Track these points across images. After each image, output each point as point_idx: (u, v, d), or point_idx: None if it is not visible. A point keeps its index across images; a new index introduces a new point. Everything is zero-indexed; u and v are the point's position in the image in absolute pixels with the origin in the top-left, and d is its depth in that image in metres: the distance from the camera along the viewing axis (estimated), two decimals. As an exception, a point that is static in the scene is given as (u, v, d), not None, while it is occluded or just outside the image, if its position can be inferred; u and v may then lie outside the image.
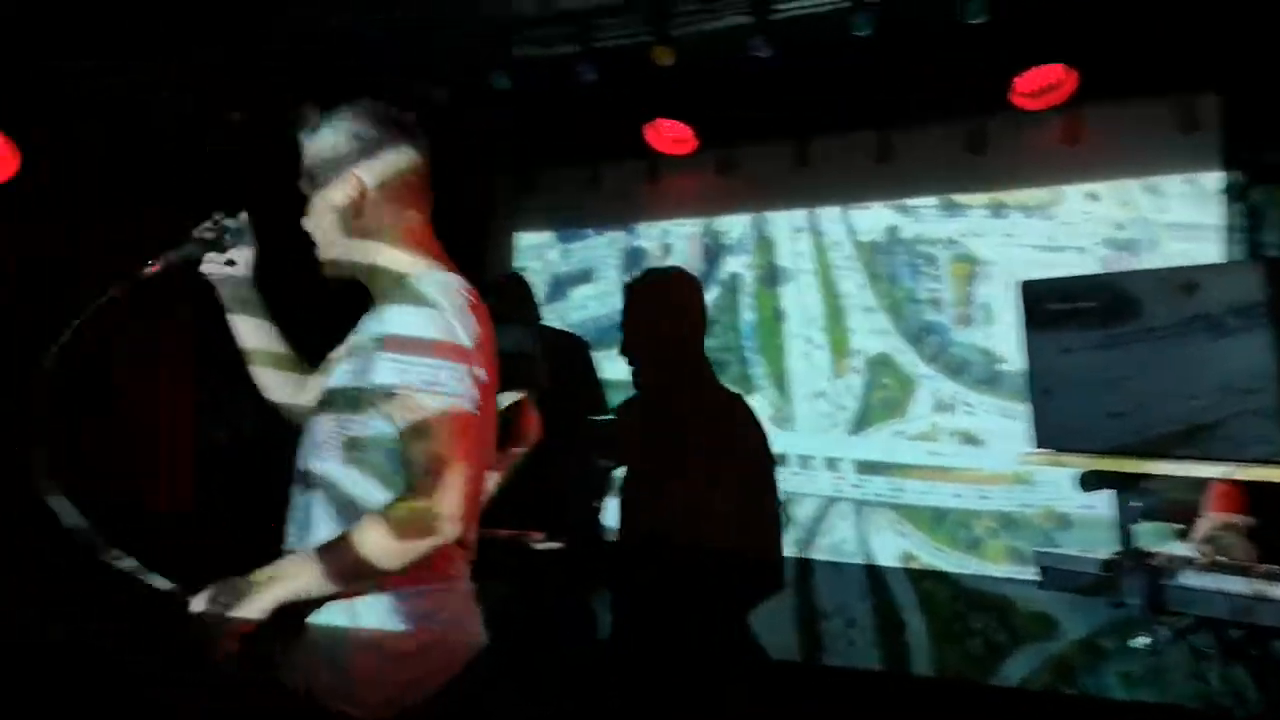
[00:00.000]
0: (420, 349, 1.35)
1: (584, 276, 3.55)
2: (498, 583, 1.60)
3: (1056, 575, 1.77)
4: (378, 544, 1.31)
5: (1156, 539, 2.74)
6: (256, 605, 1.31)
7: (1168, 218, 2.66)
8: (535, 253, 3.64)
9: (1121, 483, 1.47)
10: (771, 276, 3.24)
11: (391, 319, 1.37)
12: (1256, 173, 2.53)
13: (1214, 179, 2.61)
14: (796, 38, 2.47)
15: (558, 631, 2.54)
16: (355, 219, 1.47)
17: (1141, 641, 1.50)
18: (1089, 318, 1.43)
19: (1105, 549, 1.97)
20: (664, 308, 2.96)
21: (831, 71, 2.81)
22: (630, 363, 2.95)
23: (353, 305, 1.53)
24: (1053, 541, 2.83)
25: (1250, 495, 1.74)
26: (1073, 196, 2.80)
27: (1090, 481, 1.45)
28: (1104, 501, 2.82)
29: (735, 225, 3.31)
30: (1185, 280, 1.33)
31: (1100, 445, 1.44)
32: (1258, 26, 2.33)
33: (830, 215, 3.16)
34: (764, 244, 3.26)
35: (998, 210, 2.90)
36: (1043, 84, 2.66)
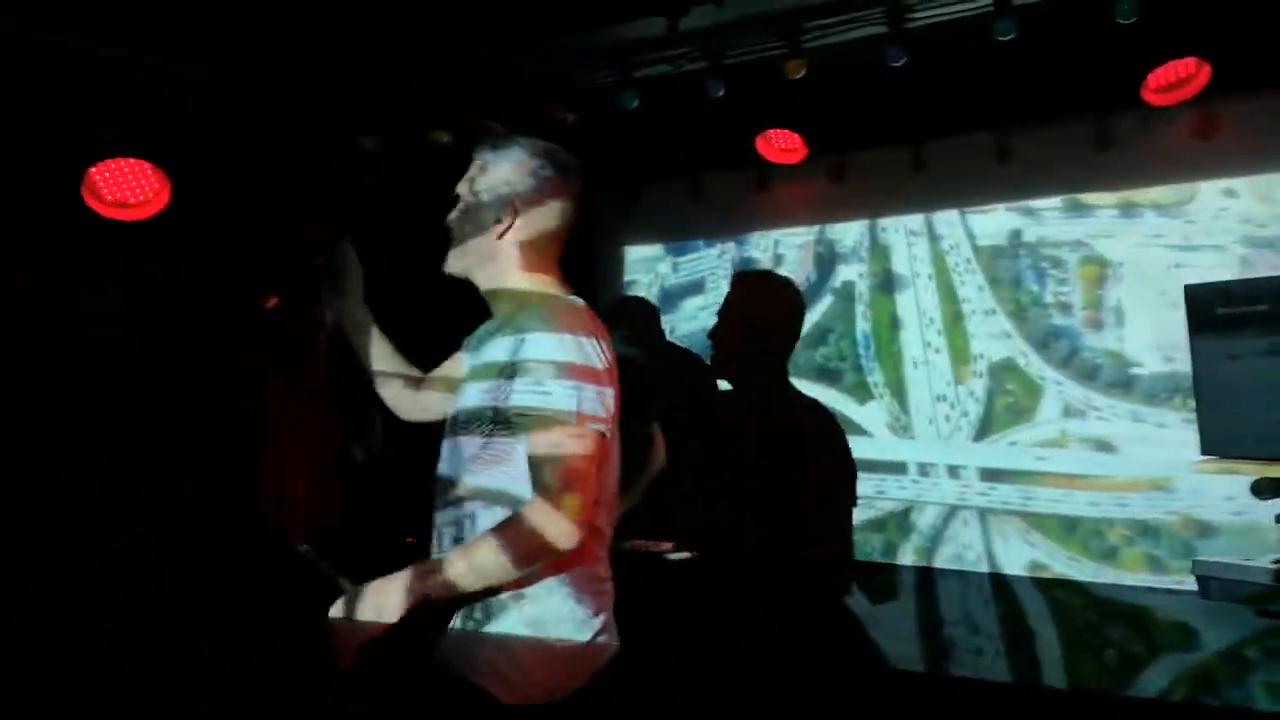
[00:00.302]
0: (559, 372, 1.41)
1: (695, 288, 3.58)
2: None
3: (1218, 585, 1.73)
4: (556, 525, 1.38)
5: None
6: (391, 605, 1.36)
7: (1312, 212, 2.56)
8: (645, 266, 3.70)
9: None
10: (887, 283, 3.23)
11: (531, 343, 1.44)
12: None
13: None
14: (933, 44, 2.47)
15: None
16: (498, 239, 1.55)
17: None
18: (1260, 323, 1.40)
19: (1262, 557, 1.91)
20: (763, 307, 3.02)
21: (949, 73, 2.79)
22: (714, 348, 3.04)
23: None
24: (1193, 550, 2.74)
25: None
26: (1208, 193, 2.72)
27: (1263, 489, 1.42)
28: (1250, 508, 2.75)
29: (849, 233, 3.31)
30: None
31: (1274, 452, 1.41)
32: None
33: (948, 220, 3.13)
34: (879, 251, 3.25)
35: (1128, 210, 2.84)
36: (1174, 78, 2.59)
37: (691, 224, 3.60)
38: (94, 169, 2.65)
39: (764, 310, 3.02)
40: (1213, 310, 1.44)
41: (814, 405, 3.03)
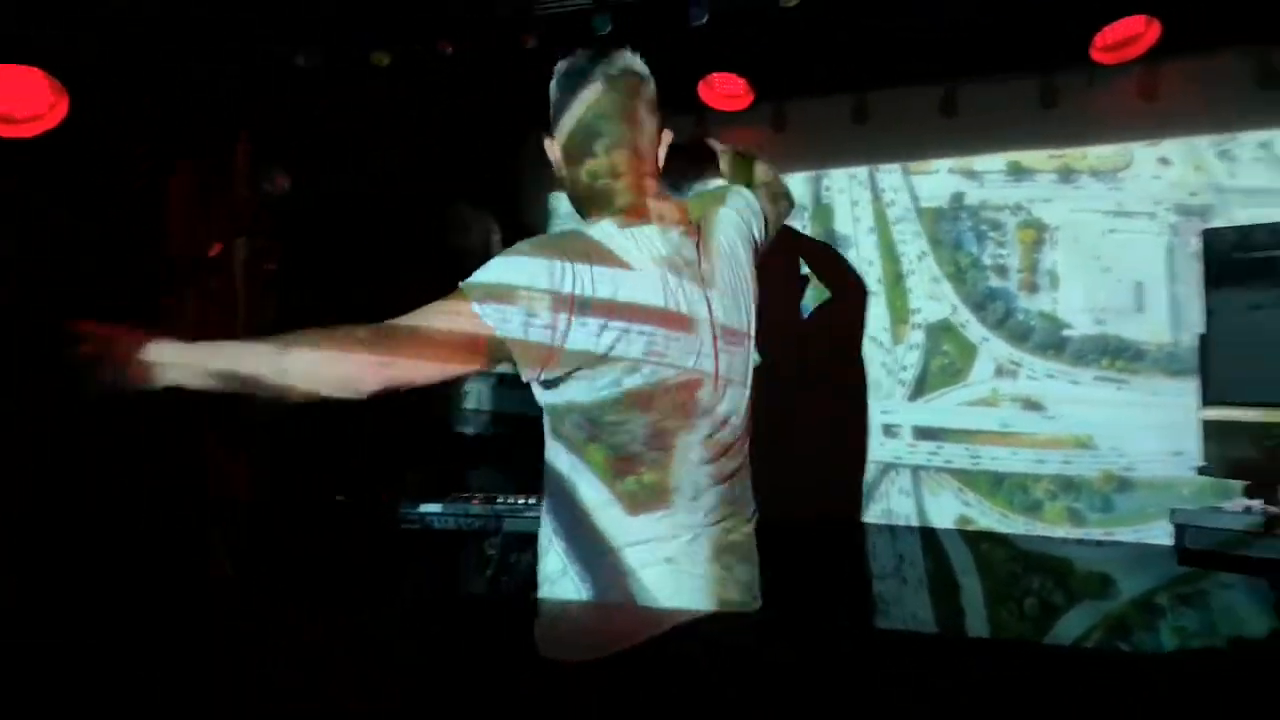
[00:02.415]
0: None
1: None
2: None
3: (1198, 533, 1.80)
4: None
5: (1216, 496, 2.83)
6: None
7: (1240, 182, 2.70)
8: (576, 218, 3.56)
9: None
10: (830, 242, 3.23)
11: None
12: None
13: (1290, 142, 2.66)
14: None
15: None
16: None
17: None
18: (1276, 276, 1.44)
19: (1229, 502, 2.00)
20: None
21: (894, 22, 2.78)
22: None
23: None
24: (1111, 504, 2.89)
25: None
26: (1143, 160, 2.83)
27: (1275, 435, 1.46)
28: (1163, 464, 2.90)
29: (792, 188, 3.28)
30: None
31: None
32: None
33: (893, 181, 3.15)
34: (822, 210, 3.24)
35: (1066, 175, 2.92)
36: (1123, 36, 2.65)
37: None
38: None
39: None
40: (1232, 256, 1.46)
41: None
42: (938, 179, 3.09)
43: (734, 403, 1.56)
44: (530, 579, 2.40)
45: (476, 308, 1.40)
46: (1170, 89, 2.77)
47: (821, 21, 2.70)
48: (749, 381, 1.61)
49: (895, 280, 3.15)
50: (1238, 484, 2.71)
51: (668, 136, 1.63)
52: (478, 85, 3.14)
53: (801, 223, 3.26)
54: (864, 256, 3.19)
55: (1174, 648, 2.85)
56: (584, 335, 1.43)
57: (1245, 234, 1.46)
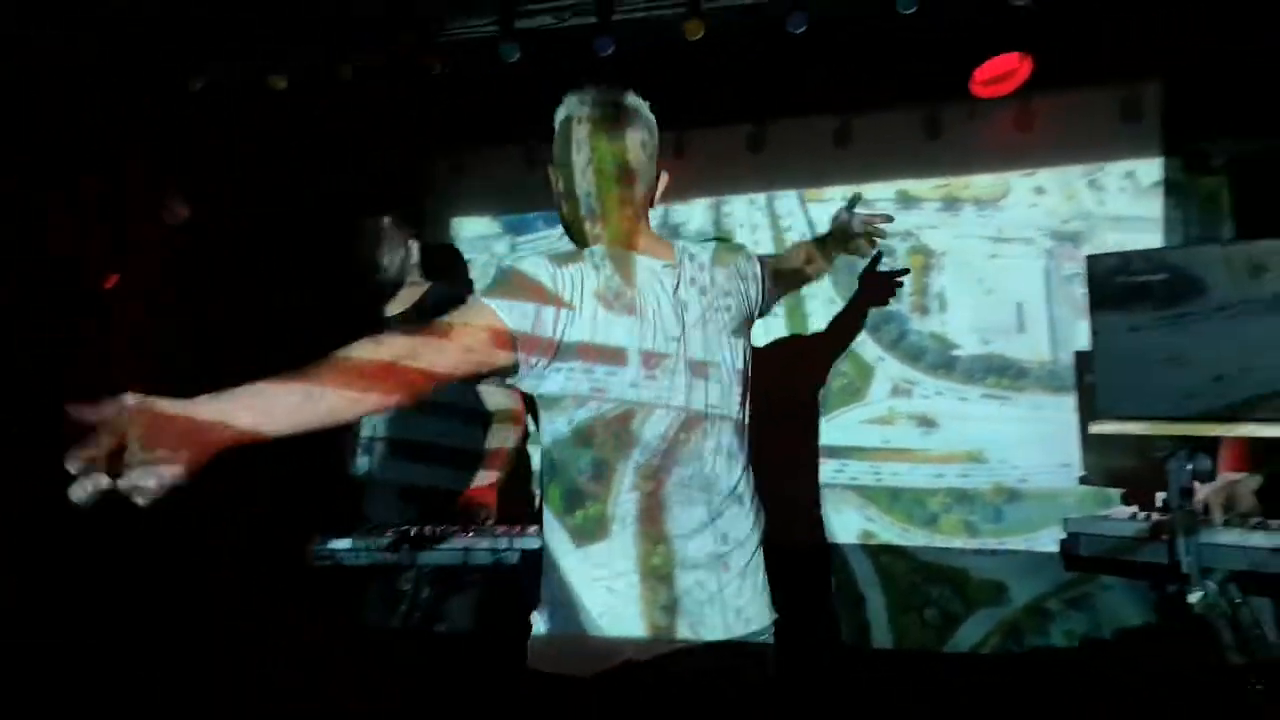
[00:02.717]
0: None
1: (534, 269, 3.49)
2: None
3: (1091, 540, 1.91)
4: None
5: (1097, 504, 3.01)
6: None
7: (1108, 210, 2.91)
8: (482, 245, 3.56)
9: (1176, 448, 1.60)
10: (732, 268, 3.31)
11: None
12: (1191, 161, 2.81)
13: (1151, 173, 2.87)
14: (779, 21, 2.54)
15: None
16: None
17: (1196, 596, 1.64)
18: (1155, 297, 1.56)
19: (1115, 510, 2.13)
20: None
21: (790, 53, 2.88)
22: None
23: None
24: (1002, 515, 3.04)
25: (1256, 454, 1.93)
26: (1020, 190, 3.01)
27: (1163, 448, 1.58)
28: (1050, 475, 3.06)
29: (693, 215, 3.36)
30: (1253, 262, 1.47)
31: (1163, 413, 1.57)
32: (1196, 14, 2.57)
33: (789, 208, 3.26)
34: (723, 236, 3.32)
35: (950, 204, 3.08)
36: (998, 72, 2.83)
37: (526, 196, 3.50)
38: None
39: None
40: (1113, 280, 1.58)
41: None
42: (832, 206, 3.18)
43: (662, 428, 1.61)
44: (444, 613, 2.35)
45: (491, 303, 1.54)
46: (1044, 122, 2.97)
47: (721, 54, 2.79)
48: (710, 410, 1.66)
49: (796, 304, 3.25)
50: (1116, 493, 2.90)
51: (665, 180, 1.73)
52: (380, 108, 3.11)
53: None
54: (764, 282, 3.28)
55: (1065, 649, 3.01)
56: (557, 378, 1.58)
57: (1125, 260, 1.58)
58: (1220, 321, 1.49)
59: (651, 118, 1.72)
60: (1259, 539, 1.71)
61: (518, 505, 2.67)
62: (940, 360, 3.09)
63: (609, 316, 1.58)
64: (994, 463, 3.04)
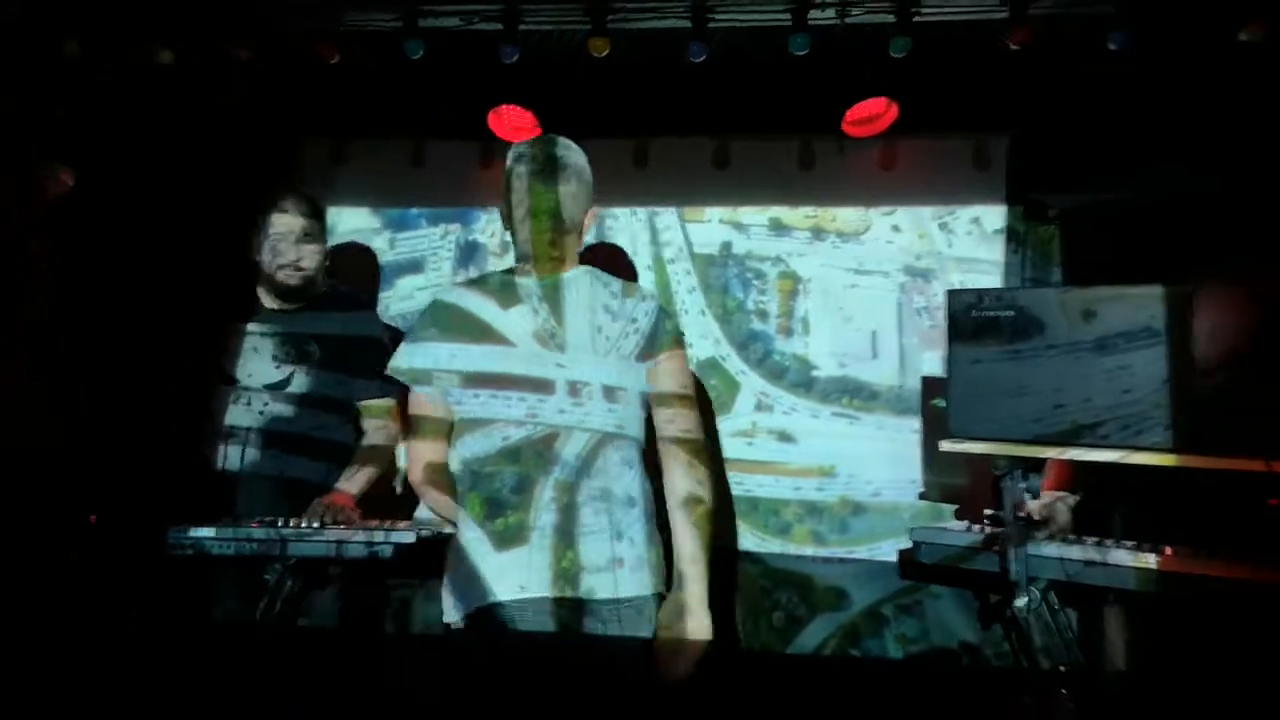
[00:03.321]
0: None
1: (413, 267, 3.48)
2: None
3: (932, 549, 2.11)
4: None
5: (932, 517, 3.28)
6: None
7: (955, 251, 3.20)
8: (362, 238, 3.51)
9: (1013, 467, 1.81)
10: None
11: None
12: (1029, 210, 3.13)
13: (995, 219, 3.18)
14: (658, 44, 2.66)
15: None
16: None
17: (1022, 602, 1.85)
18: (1003, 331, 1.76)
19: (954, 523, 2.35)
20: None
21: (680, 75, 3.00)
22: None
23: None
24: (848, 526, 3.26)
25: (1075, 475, 2.19)
26: (879, 226, 3.26)
27: (1001, 466, 1.78)
28: (891, 490, 3.31)
29: (576, 227, 3.43)
30: (1085, 307, 1.69)
31: (1006, 435, 1.78)
32: (1041, 72, 2.86)
33: (669, 222, 3.39)
34: (605, 244, 3.41)
35: (818, 234, 3.30)
36: (868, 114, 3.08)
37: (408, 192, 3.49)
38: None
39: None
40: (969, 314, 1.78)
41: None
42: (710, 228, 3.37)
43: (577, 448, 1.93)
44: (308, 606, 2.32)
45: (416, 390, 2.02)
46: (905, 162, 3.23)
47: (612, 69, 2.88)
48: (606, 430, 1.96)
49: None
50: (949, 508, 3.18)
51: (592, 214, 2.10)
52: (270, 91, 3.04)
53: (584, 258, 3.41)
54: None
55: (897, 652, 3.26)
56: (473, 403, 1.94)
57: (980, 296, 1.78)
58: (1053, 358, 1.70)
59: (583, 164, 2.05)
60: (1075, 552, 1.95)
61: (389, 501, 2.65)
62: (801, 379, 3.30)
63: (542, 352, 1.93)
64: (843, 477, 3.27)
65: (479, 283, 2.08)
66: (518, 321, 1.96)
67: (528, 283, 2.01)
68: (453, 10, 2.48)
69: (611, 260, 3.33)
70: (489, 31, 2.54)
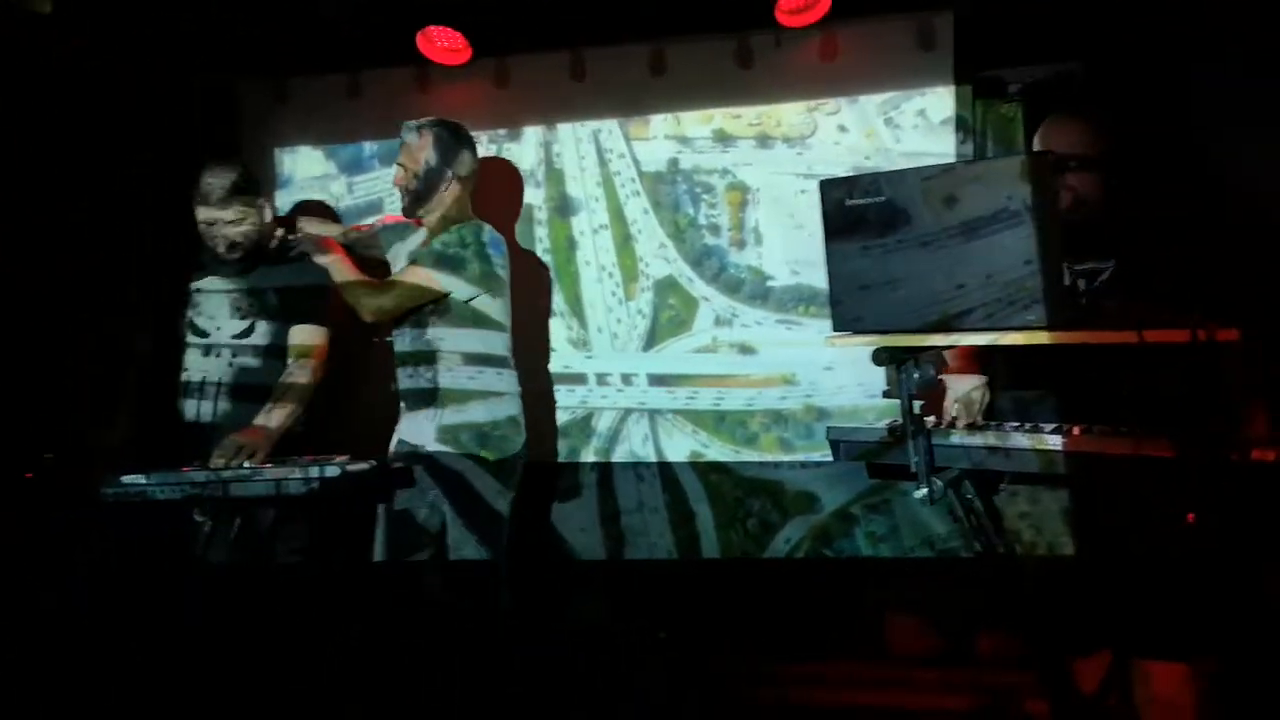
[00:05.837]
0: None
1: (372, 209, 3.53)
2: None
3: (848, 447, 2.15)
4: None
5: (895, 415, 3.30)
6: None
7: (903, 146, 3.14)
8: (319, 185, 3.57)
9: (902, 358, 1.82)
10: (564, 207, 3.43)
11: None
12: (985, 87, 3.03)
13: (942, 109, 3.09)
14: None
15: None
16: None
17: (921, 493, 1.88)
18: (870, 226, 1.76)
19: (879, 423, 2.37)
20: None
21: None
22: None
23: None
24: (814, 432, 3.30)
25: (981, 361, 2.19)
26: (825, 128, 3.21)
27: (880, 357, 1.79)
28: (853, 394, 3.32)
29: (525, 155, 3.44)
30: (947, 193, 1.68)
31: (887, 326, 1.79)
32: None
33: (616, 145, 3.38)
34: (554, 174, 3.43)
35: (764, 141, 3.27)
36: (803, 3, 2.99)
37: (348, 125, 3.52)
38: None
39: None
40: (843, 203, 1.78)
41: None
42: (656, 144, 3.35)
43: None
44: (246, 546, 2.40)
45: None
46: (847, 51, 3.13)
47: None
48: None
49: (624, 241, 3.40)
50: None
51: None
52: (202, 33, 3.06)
53: (536, 183, 3.43)
54: (596, 220, 3.42)
55: (868, 551, 3.32)
56: None
57: (853, 183, 1.77)
58: (922, 247, 1.70)
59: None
60: (978, 440, 1.97)
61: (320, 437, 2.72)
62: (757, 291, 3.31)
63: None
64: (805, 384, 3.29)
65: None
66: None
67: None
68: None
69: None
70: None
